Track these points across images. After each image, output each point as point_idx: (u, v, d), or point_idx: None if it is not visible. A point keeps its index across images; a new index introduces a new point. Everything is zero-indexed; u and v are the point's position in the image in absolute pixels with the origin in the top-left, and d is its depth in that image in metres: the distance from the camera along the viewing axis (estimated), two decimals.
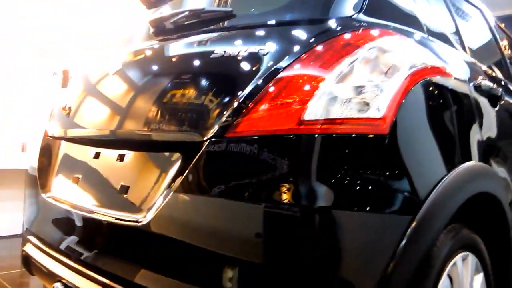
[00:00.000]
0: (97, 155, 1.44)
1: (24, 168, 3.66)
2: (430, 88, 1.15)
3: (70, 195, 1.48)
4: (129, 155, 1.30)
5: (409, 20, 1.36)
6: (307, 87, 0.98)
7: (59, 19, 3.98)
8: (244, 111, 1.01)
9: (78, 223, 1.40)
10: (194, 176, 1.04)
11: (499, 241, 1.40)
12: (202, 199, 1.03)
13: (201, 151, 1.04)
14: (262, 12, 1.38)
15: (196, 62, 1.29)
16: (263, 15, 1.35)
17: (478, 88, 1.45)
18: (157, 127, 1.21)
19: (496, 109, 1.54)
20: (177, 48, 1.43)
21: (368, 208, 0.92)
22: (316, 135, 0.94)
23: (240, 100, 1.03)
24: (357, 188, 0.93)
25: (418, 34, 1.34)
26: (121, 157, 1.32)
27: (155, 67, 1.45)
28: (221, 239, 0.97)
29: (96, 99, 1.58)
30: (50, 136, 1.74)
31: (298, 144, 0.95)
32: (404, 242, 0.95)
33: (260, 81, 1.03)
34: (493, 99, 1.52)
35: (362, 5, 1.20)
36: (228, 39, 1.29)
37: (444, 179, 1.09)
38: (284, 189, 0.92)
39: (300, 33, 1.17)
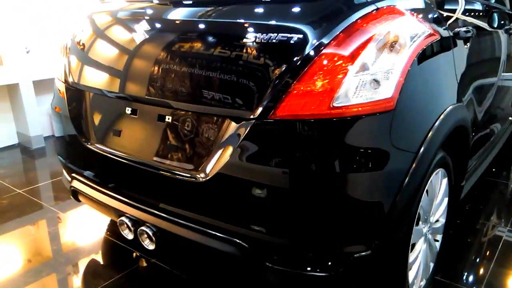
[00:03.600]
0: (136, 112, 1.67)
1: (2, 84, 3.69)
2: (424, 56, 1.43)
3: (117, 146, 1.74)
4: (174, 116, 1.54)
5: None
6: (335, 75, 1.23)
7: None
8: (281, 95, 1.26)
9: (130, 170, 1.70)
10: (244, 148, 1.33)
11: (461, 155, 1.86)
12: (252, 166, 1.34)
13: (248, 129, 1.31)
14: None
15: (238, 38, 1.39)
16: None
17: (457, 36, 1.73)
18: (205, 97, 1.40)
19: (468, 51, 1.85)
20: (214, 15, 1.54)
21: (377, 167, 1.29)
22: (343, 118, 1.23)
23: (278, 85, 1.26)
24: (368, 152, 1.27)
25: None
26: (164, 117, 1.56)
27: (195, 31, 1.55)
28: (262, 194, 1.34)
29: (135, 54, 1.64)
30: (75, 86, 1.89)
31: (328, 126, 1.24)
32: (407, 179, 1.36)
33: (293, 67, 1.25)
34: (466, 41, 1.82)
35: None
36: (255, 12, 1.45)
37: (434, 124, 1.46)
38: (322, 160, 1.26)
39: (324, 14, 1.34)
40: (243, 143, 1.33)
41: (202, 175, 1.43)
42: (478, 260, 2.14)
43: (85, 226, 2.57)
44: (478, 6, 2.30)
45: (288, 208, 1.32)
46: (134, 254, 2.23)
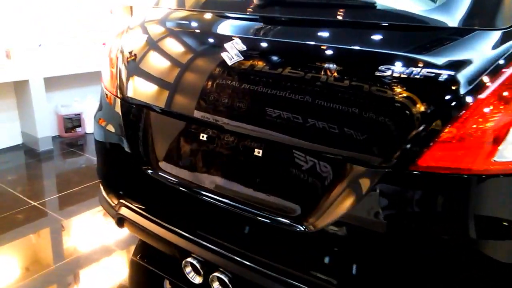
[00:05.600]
0: (214, 139, 1.43)
1: (11, 80, 3.35)
2: None
3: (189, 177, 1.52)
4: (270, 151, 1.32)
5: None
6: (499, 124, 1.02)
7: None
8: (427, 143, 1.06)
9: (207, 207, 1.46)
10: (371, 200, 1.12)
11: None
12: (378, 221, 1.13)
13: (379, 178, 1.10)
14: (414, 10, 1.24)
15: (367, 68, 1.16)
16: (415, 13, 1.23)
17: None
18: (321, 133, 1.17)
19: None
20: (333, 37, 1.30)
21: None
22: (506, 176, 1.03)
23: (423, 130, 1.06)
24: None
25: None
26: (254, 150, 1.34)
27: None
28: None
29: (223, 72, 1.37)
30: (134, 102, 1.63)
31: (488, 184, 1.05)
32: None
33: (443, 110, 1.05)
34: None
35: None
36: (394, 42, 1.21)
37: None
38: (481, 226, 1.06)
39: (481, 49, 1.11)
40: (371, 194, 1.12)
41: (311, 225, 1.22)
42: None
43: (106, 241, 2.31)
44: None
45: (423, 274, 1.12)
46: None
